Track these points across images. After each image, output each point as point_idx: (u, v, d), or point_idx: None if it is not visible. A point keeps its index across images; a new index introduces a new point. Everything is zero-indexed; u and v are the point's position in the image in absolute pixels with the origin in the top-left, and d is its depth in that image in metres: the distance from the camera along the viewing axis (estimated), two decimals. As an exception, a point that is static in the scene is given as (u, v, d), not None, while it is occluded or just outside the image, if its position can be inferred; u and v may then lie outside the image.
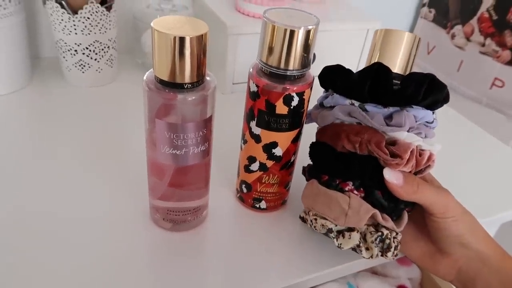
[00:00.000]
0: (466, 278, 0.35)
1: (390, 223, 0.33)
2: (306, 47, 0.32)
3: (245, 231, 0.39)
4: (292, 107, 0.34)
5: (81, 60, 0.56)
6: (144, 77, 0.32)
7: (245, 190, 0.40)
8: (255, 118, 0.35)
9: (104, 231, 0.37)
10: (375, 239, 0.33)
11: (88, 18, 0.53)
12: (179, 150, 0.32)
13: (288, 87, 0.33)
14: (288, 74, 0.33)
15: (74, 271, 0.33)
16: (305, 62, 0.33)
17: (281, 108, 0.34)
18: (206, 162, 0.35)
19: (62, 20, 0.52)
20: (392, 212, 0.34)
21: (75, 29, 0.53)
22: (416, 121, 0.33)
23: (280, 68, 0.33)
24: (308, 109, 0.37)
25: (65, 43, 0.54)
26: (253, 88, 0.34)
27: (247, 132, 0.37)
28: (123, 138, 0.49)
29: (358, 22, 0.66)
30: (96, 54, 0.56)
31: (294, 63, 0.32)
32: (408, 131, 0.33)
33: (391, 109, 0.33)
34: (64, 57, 0.56)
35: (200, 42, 0.29)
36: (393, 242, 0.33)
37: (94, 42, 0.55)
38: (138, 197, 0.40)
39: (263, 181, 0.38)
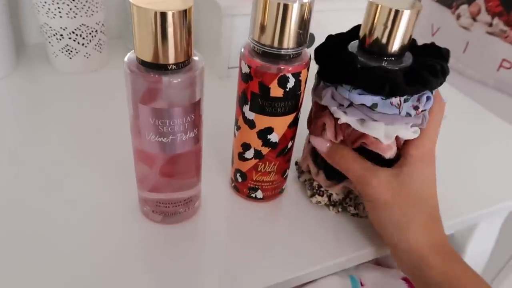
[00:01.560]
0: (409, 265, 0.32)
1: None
2: (302, 23, 0.29)
3: (240, 222, 0.37)
4: (287, 89, 0.31)
5: (67, 45, 0.53)
6: (125, 59, 0.29)
7: (240, 179, 0.38)
8: (248, 102, 0.33)
9: (92, 224, 0.35)
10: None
11: (73, 0, 0.50)
12: (166, 138, 0.30)
13: (283, 67, 0.30)
14: (282, 53, 0.30)
15: (64, 265, 0.31)
16: (301, 39, 0.30)
17: (276, 91, 0.31)
18: (196, 149, 0.33)
19: (45, 2, 0.49)
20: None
21: (59, 11, 0.50)
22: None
23: (273, 47, 0.30)
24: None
25: (50, 27, 0.52)
26: (245, 69, 0.32)
27: (240, 117, 0.34)
28: (112, 127, 0.47)
29: (360, 1, 0.63)
30: (84, 38, 0.53)
31: (288, 41, 0.30)
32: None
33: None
34: (50, 42, 0.53)
35: (185, 17, 0.26)
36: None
37: (80, 25, 0.52)
38: (128, 188, 0.38)
39: (258, 169, 0.36)
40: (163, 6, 0.26)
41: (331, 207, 0.38)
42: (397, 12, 0.29)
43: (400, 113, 0.31)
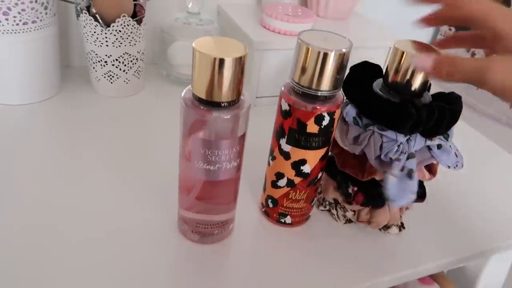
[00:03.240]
0: None
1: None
2: (339, 69, 0.33)
3: (270, 246, 0.40)
4: (322, 126, 0.35)
5: (110, 71, 0.57)
6: (182, 94, 0.33)
7: (271, 205, 0.41)
8: (286, 136, 0.36)
9: (132, 242, 0.38)
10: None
11: (120, 31, 0.54)
12: (212, 166, 0.33)
13: (318, 107, 0.34)
14: (319, 94, 0.34)
15: (102, 281, 0.34)
16: (337, 83, 0.34)
17: (312, 127, 0.35)
18: (236, 177, 0.36)
19: (94, 32, 0.54)
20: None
21: (106, 41, 0.55)
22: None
23: (311, 88, 0.33)
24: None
25: (96, 54, 0.56)
26: (285, 106, 0.35)
27: (276, 148, 0.38)
28: (149, 147, 0.51)
29: (379, 40, 0.67)
30: (125, 65, 0.58)
31: (326, 84, 0.33)
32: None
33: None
34: (94, 67, 0.58)
35: (239, 63, 0.30)
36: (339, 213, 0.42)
37: (123, 54, 0.57)
38: (166, 208, 0.41)
39: (290, 196, 0.39)
40: (222, 52, 0.29)
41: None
42: None
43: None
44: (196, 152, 0.33)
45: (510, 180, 0.55)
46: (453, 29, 0.93)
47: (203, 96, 0.31)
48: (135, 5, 0.57)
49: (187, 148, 0.34)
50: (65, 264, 0.35)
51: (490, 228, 0.46)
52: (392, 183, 0.35)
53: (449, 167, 0.37)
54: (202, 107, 0.31)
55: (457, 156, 0.37)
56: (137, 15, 0.57)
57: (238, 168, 0.35)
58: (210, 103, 0.31)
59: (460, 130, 0.64)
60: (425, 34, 0.99)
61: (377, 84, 0.37)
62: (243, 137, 0.34)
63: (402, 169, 0.35)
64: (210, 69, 0.30)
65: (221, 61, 0.29)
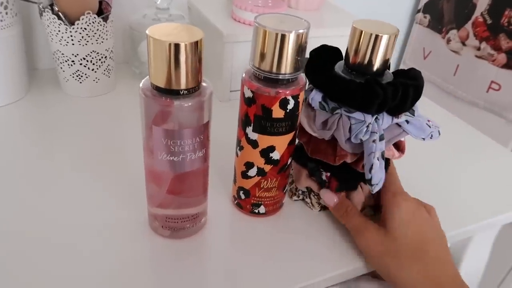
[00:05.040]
0: None
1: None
2: (298, 50, 0.32)
3: (244, 237, 0.39)
4: (288, 110, 0.34)
5: (78, 70, 0.56)
6: (140, 85, 0.32)
7: (243, 197, 0.40)
8: (252, 124, 0.35)
9: (103, 240, 0.37)
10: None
11: (85, 29, 0.53)
12: (176, 157, 0.32)
13: (281, 91, 0.33)
14: (280, 78, 0.33)
15: (74, 280, 0.33)
16: (298, 65, 0.33)
17: (277, 112, 0.34)
18: (204, 168, 0.35)
19: (59, 31, 0.53)
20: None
21: (72, 40, 0.53)
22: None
23: (273, 72, 0.33)
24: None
25: (62, 54, 0.55)
26: (248, 93, 0.34)
27: (243, 138, 0.37)
28: (120, 147, 0.49)
29: (341, 29, 0.66)
30: (94, 64, 0.56)
31: (286, 67, 0.33)
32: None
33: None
34: (61, 67, 0.56)
35: (196, 48, 0.29)
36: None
37: (91, 52, 0.55)
38: (137, 205, 0.40)
39: (261, 186, 0.38)
40: (177, 38, 0.29)
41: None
42: (377, 36, 0.33)
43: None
44: (158, 144, 0.32)
45: (489, 163, 0.55)
46: (428, 16, 0.93)
47: (161, 84, 0.30)
48: (100, 2, 0.56)
49: (150, 140, 0.33)
50: (38, 265, 0.34)
51: (471, 209, 0.46)
52: (376, 168, 0.35)
53: (423, 139, 0.36)
54: (161, 97, 0.30)
55: (430, 127, 0.36)
56: (103, 12, 0.56)
57: (204, 159, 0.34)
58: (169, 92, 0.30)
59: (438, 115, 0.65)
60: (401, 24, 1.00)
61: (339, 67, 0.36)
62: (206, 125, 0.33)
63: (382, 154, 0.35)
64: (165, 56, 0.29)
65: (176, 47, 0.28)
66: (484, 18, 0.81)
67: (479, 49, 0.83)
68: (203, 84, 0.32)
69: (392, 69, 0.37)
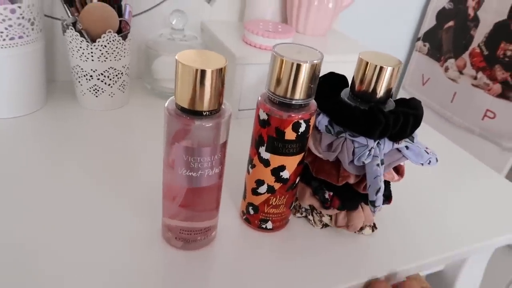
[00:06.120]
0: None
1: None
2: (312, 79, 0.35)
3: (252, 251, 0.41)
4: (299, 133, 0.37)
5: (95, 85, 0.59)
6: (166, 104, 0.34)
7: (252, 212, 0.42)
8: (265, 144, 0.38)
9: (117, 249, 0.39)
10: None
11: (105, 46, 0.56)
12: (195, 172, 0.35)
13: (293, 115, 0.36)
14: (294, 103, 0.36)
15: None
16: (310, 92, 0.36)
17: (290, 134, 0.37)
18: (218, 184, 0.38)
19: (80, 47, 0.56)
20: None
21: (92, 56, 0.56)
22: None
23: (287, 98, 0.36)
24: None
25: (82, 68, 0.57)
26: (263, 116, 0.37)
27: (255, 157, 0.39)
28: (134, 159, 0.52)
29: (356, 54, 0.70)
30: (110, 79, 0.59)
31: (300, 93, 0.35)
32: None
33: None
34: (79, 81, 0.59)
35: (220, 74, 0.32)
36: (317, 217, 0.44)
37: (109, 68, 0.58)
38: (150, 216, 0.42)
39: (270, 202, 0.41)
40: (203, 64, 0.31)
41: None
42: (381, 68, 0.36)
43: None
44: (179, 160, 0.34)
45: (483, 188, 0.58)
46: (427, 44, 0.98)
47: (185, 105, 0.33)
48: (120, 21, 0.59)
49: (171, 156, 0.35)
50: (51, 274, 0.36)
51: (466, 232, 0.49)
52: (382, 191, 0.37)
53: (422, 164, 0.39)
54: (184, 116, 0.33)
55: (428, 153, 0.39)
56: (122, 31, 0.59)
57: (220, 175, 0.37)
58: (192, 112, 0.33)
59: (435, 140, 0.67)
60: (401, 52, 1.04)
61: (345, 93, 0.39)
62: (224, 144, 0.35)
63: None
64: (192, 80, 0.32)
65: (203, 72, 0.31)
66: (481, 49, 0.85)
67: (475, 78, 0.86)
68: (223, 106, 0.35)
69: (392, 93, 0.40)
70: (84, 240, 0.39)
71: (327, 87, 0.40)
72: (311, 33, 0.73)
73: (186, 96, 0.32)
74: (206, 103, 0.33)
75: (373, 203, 0.37)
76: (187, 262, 0.39)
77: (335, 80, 0.42)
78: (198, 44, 0.67)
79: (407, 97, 0.41)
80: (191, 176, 0.35)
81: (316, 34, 0.74)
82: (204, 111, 0.33)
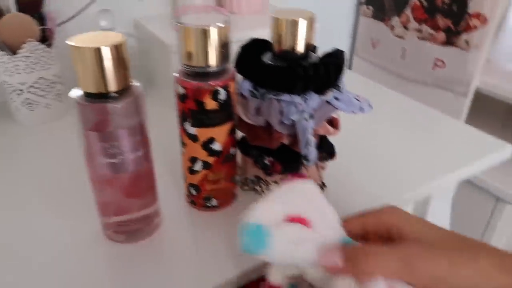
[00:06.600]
0: None
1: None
2: (221, 44, 0.34)
3: (201, 232, 0.40)
4: (221, 101, 0.36)
5: (28, 98, 0.57)
6: (73, 93, 0.33)
7: (194, 192, 0.41)
8: (188, 119, 0.37)
9: (61, 256, 0.37)
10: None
11: (29, 56, 0.54)
12: (115, 159, 0.33)
13: (212, 83, 0.35)
14: (210, 71, 0.35)
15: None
16: (224, 57, 0.35)
17: (210, 104, 0.35)
18: (147, 168, 0.36)
19: (2, 61, 0.53)
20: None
21: (16, 69, 0.54)
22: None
23: (199, 66, 0.34)
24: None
25: (10, 84, 0.55)
26: (181, 90, 0.36)
27: (183, 134, 0.38)
28: (77, 169, 0.50)
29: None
30: (43, 91, 0.57)
31: (212, 59, 0.34)
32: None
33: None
34: (11, 98, 0.57)
35: (118, 51, 0.31)
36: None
37: (38, 79, 0.56)
38: (90, 219, 0.40)
39: (209, 178, 0.39)
40: (98, 43, 0.30)
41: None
42: (294, 22, 0.35)
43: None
44: (96, 148, 0.33)
45: (439, 131, 0.58)
46: (371, 7, 0.97)
47: (90, 90, 0.31)
48: (44, 29, 0.57)
49: (89, 147, 0.34)
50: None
51: (427, 170, 0.49)
52: (312, 144, 0.36)
53: (354, 112, 0.38)
54: (92, 101, 0.32)
55: (359, 101, 0.39)
56: (47, 39, 0.57)
57: (146, 158, 0.36)
58: (98, 96, 0.31)
59: (393, 99, 0.67)
60: (347, 19, 1.04)
61: (267, 57, 0.38)
62: (141, 125, 0.34)
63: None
64: (90, 62, 0.30)
65: (98, 51, 0.30)
66: (420, 2, 0.85)
67: (420, 31, 0.87)
68: (133, 85, 0.33)
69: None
70: (26, 251, 0.38)
71: (250, 53, 0.39)
72: (247, 10, 0.72)
73: (88, 80, 0.31)
74: (110, 84, 0.31)
75: (305, 157, 0.36)
76: (133, 254, 0.37)
77: (258, 45, 0.41)
78: (132, 41, 0.65)
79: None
80: (112, 163, 0.34)
81: (253, 12, 0.73)
82: (110, 93, 0.32)
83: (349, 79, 0.78)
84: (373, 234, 0.29)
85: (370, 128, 0.58)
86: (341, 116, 0.41)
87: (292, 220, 0.27)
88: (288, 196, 0.29)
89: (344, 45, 1.05)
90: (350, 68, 1.06)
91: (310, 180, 0.30)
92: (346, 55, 0.39)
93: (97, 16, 0.63)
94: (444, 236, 0.27)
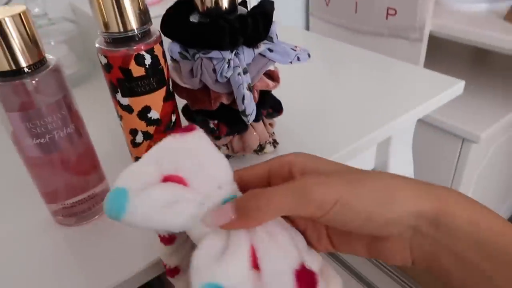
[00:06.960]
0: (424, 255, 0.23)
1: None
2: (137, 5, 0.32)
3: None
4: (147, 66, 0.34)
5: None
6: (-15, 76, 0.31)
7: (142, 166, 0.40)
8: (118, 89, 0.35)
9: (13, 249, 0.36)
10: None
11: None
12: (42, 138, 0.32)
13: (134, 48, 0.33)
14: (130, 35, 0.33)
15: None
16: (141, 19, 0.33)
17: (136, 71, 0.34)
18: (83, 144, 0.35)
19: None
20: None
21: None
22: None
23: (116, 32, 0.33)
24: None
25: None
26: (103, 60, 0.34)
27: (118, 106, 0.37)
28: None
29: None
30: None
31: (129, 23, 0.33)
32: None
33: None
34: None
35: (20, 22, 0.29)
36: None
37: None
38: (38, 207, 0.39)
39: (152, 149, 0.38)
40: (-2, 16, 0.28)
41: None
42: None
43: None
44: (20, 130, 0.31)
45: (396, 76, 0.58)
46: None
47: (2, 68, 0.29)
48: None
49: (13, 130, 0.32)
50: None
51: (387, 109, 0.49)
52: (248, 98, 0.35)
53: (291, 62, 0.37)
54: (5, 80, 0.30)
55: (295, 51, 0.37)
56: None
57: (79, 134, 0.34)
58: (11, 73, 0.30)
59: (350, 54, 0.66)
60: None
61: (194, 17, 0.37)
62: (65, 99, 0.32)
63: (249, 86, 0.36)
64: (-8, 37, 0.28)
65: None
66: (366, -48, 0.84)
67: (369, -18, 0.85)
68: (48, 58, 0.32)
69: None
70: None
71: (175, 14, 0.38)
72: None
73: (-4, 57, 0.29)
74: (21, 58, 0.29)
75: (243, 113, 0.35)
76: (85, 234, 0.36)
77: (184, 7, 0.39)
78: (70, 24, 0.62)
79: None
80: (40, 143, 0.32)
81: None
82: (23, 68, 0.30)
83: (306, 39, 0.77)
84: (278, 179, 0.26)
85: (329, 80, 0.57)
86: (298, 70, 0.40)
87: (166, 179, 0.24)
88: (165, 154, 0.25)
89: (299, 5, 1.03)
90: (307, 29, 1.05)
91: (199, 132, 0.26)
92: (274, 6, 0.37)
93: (26, 4, 0.59)
94: (347, 168, 0.25)
